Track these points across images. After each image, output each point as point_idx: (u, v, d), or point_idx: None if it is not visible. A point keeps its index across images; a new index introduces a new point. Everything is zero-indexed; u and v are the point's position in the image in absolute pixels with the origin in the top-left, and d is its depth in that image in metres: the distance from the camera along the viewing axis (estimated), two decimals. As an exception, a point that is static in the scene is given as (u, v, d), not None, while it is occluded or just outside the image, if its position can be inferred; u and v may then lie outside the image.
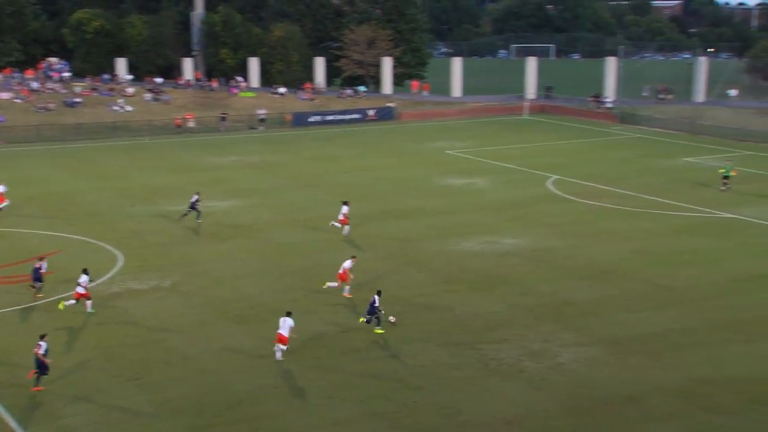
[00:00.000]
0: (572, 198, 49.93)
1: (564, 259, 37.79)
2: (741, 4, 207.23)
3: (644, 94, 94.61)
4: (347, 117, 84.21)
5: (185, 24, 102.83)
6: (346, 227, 41.31)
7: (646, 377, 25.75)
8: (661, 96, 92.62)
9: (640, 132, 75.64)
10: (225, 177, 57.03)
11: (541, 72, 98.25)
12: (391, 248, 39.64)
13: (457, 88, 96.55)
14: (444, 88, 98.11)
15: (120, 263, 37.36)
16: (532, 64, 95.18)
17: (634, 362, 26.86)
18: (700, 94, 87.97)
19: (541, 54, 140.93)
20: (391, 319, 29.96)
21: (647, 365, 26.64)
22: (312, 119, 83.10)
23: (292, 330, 27.31)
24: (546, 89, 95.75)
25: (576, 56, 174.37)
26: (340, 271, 32.83)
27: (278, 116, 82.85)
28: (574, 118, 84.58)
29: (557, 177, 55.89)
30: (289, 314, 27.68)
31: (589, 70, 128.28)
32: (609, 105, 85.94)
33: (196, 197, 44.49)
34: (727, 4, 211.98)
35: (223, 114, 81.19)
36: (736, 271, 36.09)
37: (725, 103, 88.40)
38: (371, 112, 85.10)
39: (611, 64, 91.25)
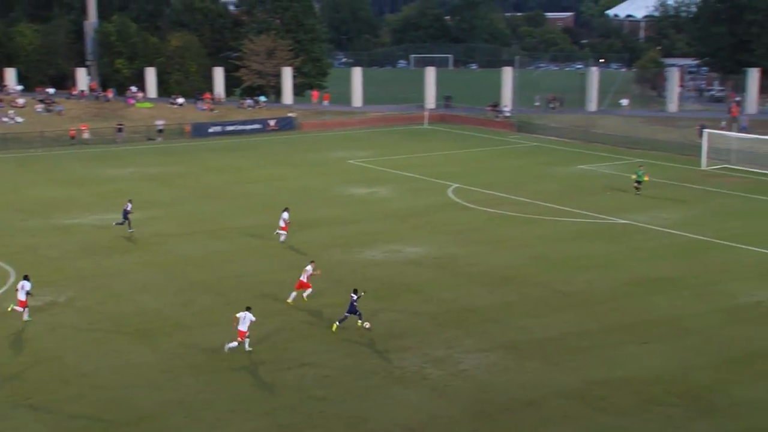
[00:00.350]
0: (473, 206, 50.75)
1: (466, 266, 38.37)
2: (629, 16, 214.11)
3: (536, 103, 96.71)
4: (248, 127, 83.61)
5: (79, 33, 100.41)
6: (283, 234, 41.38)
7: (544, 381, 26.37)
8: (551, 105, 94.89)
9: (537, 140, 77.42)
10: (123, 189, 55.88)
11: (440, 82, 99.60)
12: (294, 259, 39.53)
13: (357, 98, 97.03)
14: (345, 98, 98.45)
15: (12, 279, 36.19)
16: (431, 74, 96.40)
17: (533, 366, 27.48)
18: (592, 104, 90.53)
19: (439, 64, 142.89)
20: (366, 325, 30.41)
21: (546, 369, 27.29)
22: (212, 130, 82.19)
23: (251, 323, 28.13)
24: (445, 99, 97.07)
25: (474, 66, 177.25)
26: (302, 278, 33.06)
27: (177, 127, 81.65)
28: (473, 127, 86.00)
29: (458, 185, 56.70)
30: (248, 309, 28.37)
31: (486, 79, 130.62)
32: (507, 114, 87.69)
33: (129, 206, 44.02)
34: (616, 16, 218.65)
35: (120, 125, 79.55)
36: (629, 274, 37.29)
37: (616, 112, 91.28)
38: (272, 123, 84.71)
39: (508, 73, 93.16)
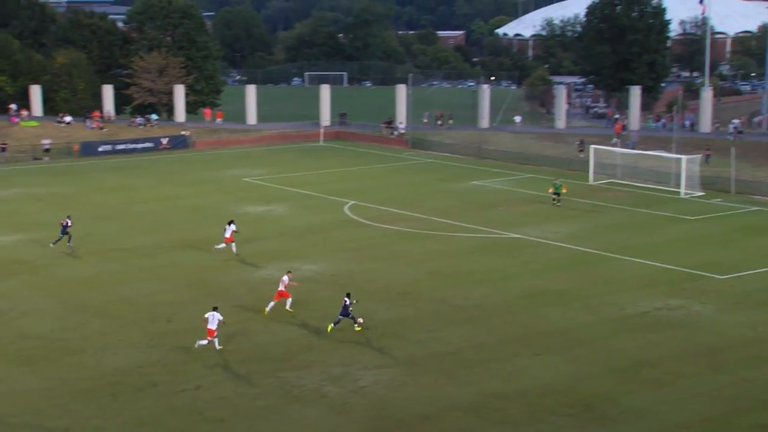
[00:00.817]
0: (369, 222, 50.87)
1: (363, 282, 38.39)
2: (517, 35, 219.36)
3: (424, 120, 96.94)
4: (139, 146, 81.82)
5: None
6: (233, 244, 42.24)
7: (441, 395, 26.53)
8: (439, 122, 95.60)
9: (431, 157, 78.25)
10: (6, 210, 53.80)
11: (335, 99, 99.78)
12: (190, 278, 38.79)
13: (252, 116, 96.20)
14: (239, 116, 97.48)
15: None
16: (325, 91, 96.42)
17: (430, 381, 27.62)
18: (484, 120, 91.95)
19: (334, 81, 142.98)
20: (359, 320, 32.19)
21: (443, 383, 27.46)
22: (102, 149, 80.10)
23: (221, 323, 29.85)
24: (340, 116, 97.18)
25: (368, 84, 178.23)
26: (280, 288, 34.04)
27: (65, 146, 79.22)
28: (368, 144, 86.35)
29: (354, 202, 56.79)
30: (215, 309, 30.24)
31: (381, 97, 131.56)
32: (401, 131, 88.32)
33: (67, 221, 43.70)
34: (505, 35, 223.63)
35: (3, 144, 76.75)
36: (523, 288, 37.98)
37: (507, 129, 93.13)
38: (165, 141, 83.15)
39: (401, 91, 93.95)
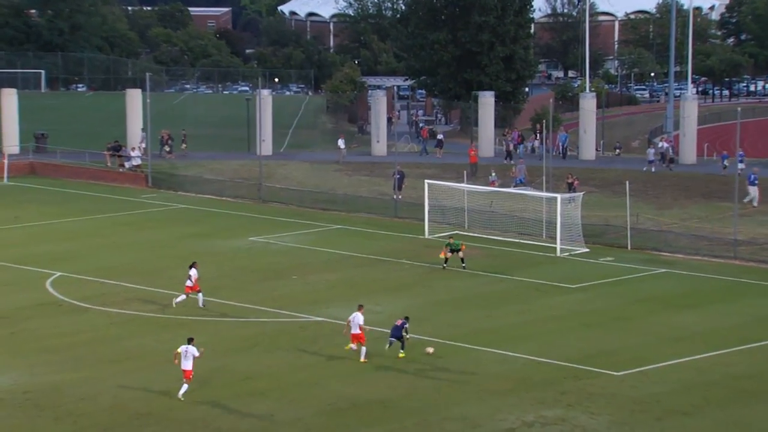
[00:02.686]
0: (86, 305, 50.04)
1: (76, 403, 37.64)
2: (312, 14, 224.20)
3: (142, 144, 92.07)
4: None
5: None
6: (200, 295, 49.51)
7: None
8: (166, 148, 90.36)
9: (185, 200, 77.70)
10: None
11: (28, 112, 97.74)
12: None
13: None
14: None
15: None
16: (10, 100, 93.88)
17: None
18: (267, 144, 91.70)
19: (24, 85, 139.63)
20: (429, 350, 42.40)
21: None
22: None
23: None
24: (37, 139, 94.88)
25: (81, 87, 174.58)
26: (356, 332, 42.30)
27: None
28: (82, 181, 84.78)
29: (61, 274, 55.66)
30: (190, 340, 37.66)
31: (102, 108, 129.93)
32: (136, 161, 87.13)
33: None
34: (293, 14, 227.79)
35: None
36: (326, 398, 38.16)
37: (301, 156, 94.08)
38: None
39: (135, 99, 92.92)
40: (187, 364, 35.77)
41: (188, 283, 49.31)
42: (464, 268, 56.76)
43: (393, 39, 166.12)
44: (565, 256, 60.56)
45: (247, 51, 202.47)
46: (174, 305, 49.10)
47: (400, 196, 73.49)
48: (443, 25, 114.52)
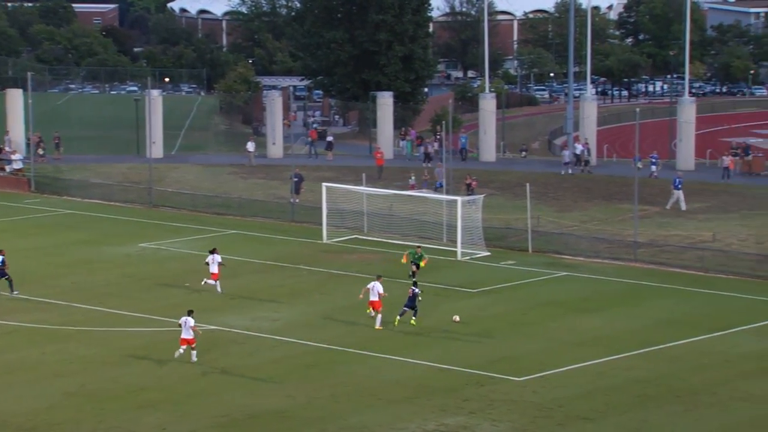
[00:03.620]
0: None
1: (-48, 418, 37.04)
2: (204, 12, 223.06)
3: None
4: None
5: None
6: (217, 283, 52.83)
7: None
8: (40, 151, 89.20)
9: (70, 205, 76.75)
10: None
11: None
12: None
13: None
14: None
15: None
16: None
17: None
18: (157, 147, 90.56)
19: None
20: (456, 318, 48.12)
21: None
22: None
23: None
24: None
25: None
26: (374, 299, 47.38)
27: None
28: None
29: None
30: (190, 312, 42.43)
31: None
32: (17, 165, 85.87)
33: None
34: (183, 12, 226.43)
35: None
36: (220, 410, 37.96)
37: (194, 159, 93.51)
38: None
39: (16, 99, 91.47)
40: (187, 334, 42.05)
41: (213, 269, 52.83)
42: (414, 282, 55.72)
43: (288, 37, 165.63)
44: (466, 260, 60.96)
45: (136, 49, 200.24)
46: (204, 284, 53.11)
47: (297, 200, 73.33)
48: (340, 24, 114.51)
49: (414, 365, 43.04)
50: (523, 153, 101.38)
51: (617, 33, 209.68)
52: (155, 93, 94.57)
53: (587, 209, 74.09)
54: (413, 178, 76.87)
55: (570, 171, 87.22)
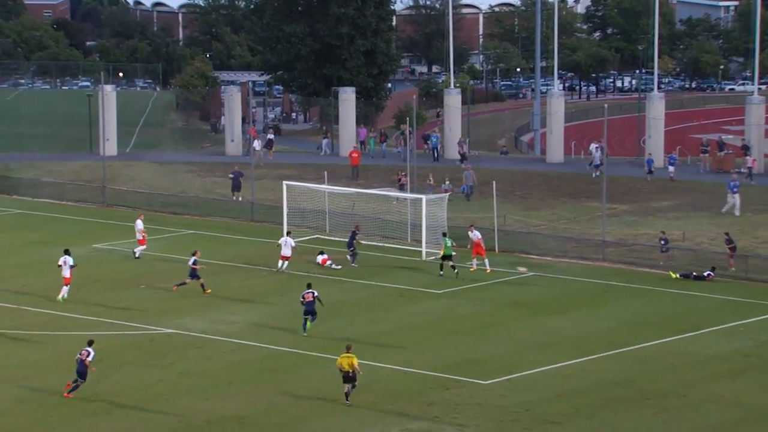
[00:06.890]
0: None
1: None
2: (159, 4, 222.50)
3: None
4: None
5: None
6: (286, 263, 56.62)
7: None
8: None
9: (20, 205, 76.39)
10: None
11: None
12: None
13: None
14: None
15: None
16: None
17: None
18: (110, 144, 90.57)
19: None
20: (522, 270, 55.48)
21: None
22: None
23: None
24: None
25: None
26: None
27: None
28: None
29: None
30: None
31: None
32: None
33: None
34: (138, 3, 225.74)
35: None
36: (182, 415, 37.98)
37: (149, 157, 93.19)
38: None
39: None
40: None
41: (286, 252, 57.41)
42: (457, 276, 56.82)
43: (247, 31, 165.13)
44: (431, 260, 60.95)
45: (88, 43, 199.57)
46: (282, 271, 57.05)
47: (240, 197, 73.57)
48: (300, 17, 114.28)
49: (377, 368, 43.03)
50: (503, 155, 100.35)
51: (585, 27, 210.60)
52: (109, 88, 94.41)
53: (554, 207, 74.23)
54: (448, 182, 75.74)
55: (598, 173, 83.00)
